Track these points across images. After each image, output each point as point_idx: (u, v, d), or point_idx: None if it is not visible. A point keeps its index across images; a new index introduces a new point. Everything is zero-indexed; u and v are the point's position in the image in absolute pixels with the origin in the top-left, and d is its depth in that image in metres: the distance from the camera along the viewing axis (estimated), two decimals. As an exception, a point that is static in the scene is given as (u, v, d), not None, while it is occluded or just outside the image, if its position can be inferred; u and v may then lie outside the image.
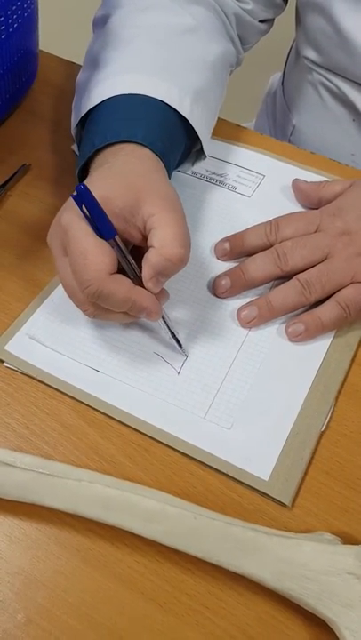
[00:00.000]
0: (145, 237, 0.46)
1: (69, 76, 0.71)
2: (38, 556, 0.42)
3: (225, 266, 0.56)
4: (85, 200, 0.43)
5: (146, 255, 0.45)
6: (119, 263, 0.45)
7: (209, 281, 0.55)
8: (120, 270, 0.45)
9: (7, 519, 0.43)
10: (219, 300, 0.55)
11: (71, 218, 0.44)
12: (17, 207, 0.60)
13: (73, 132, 0.58)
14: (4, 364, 0.50)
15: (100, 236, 0.44)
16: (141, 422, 0.47)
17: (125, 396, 0.48)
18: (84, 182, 0.45)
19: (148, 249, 0.45)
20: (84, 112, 0.54)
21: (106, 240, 0.44)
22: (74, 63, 0.74)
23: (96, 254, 0.43)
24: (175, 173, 0.62)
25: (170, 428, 0.47)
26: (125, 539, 0.42)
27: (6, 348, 0.50)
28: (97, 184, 0.46)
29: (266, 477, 0.45)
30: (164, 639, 0.40)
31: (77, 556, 0.42)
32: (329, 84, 0.74)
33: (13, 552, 0.42)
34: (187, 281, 0.55)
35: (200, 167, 0.63)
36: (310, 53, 0.75)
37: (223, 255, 0.57)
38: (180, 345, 0.50)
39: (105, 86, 0.54)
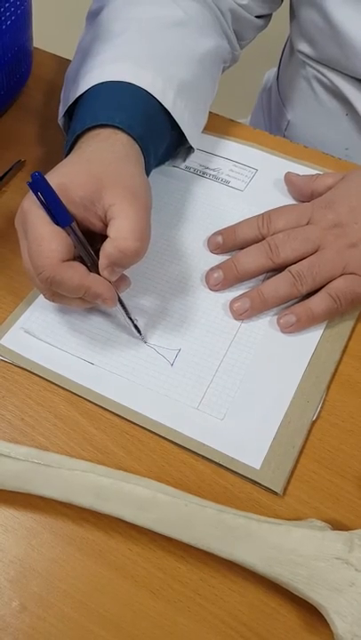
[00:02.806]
0: (106, 226, 0.46)
1: (63, 72, 0.71)
2: (33, 545, 0.43)
3: (218, 259, 0.57)
4: (40, 187, 0.44)
5: (103, 245, 0.46)
6: (80, 251, 0.46)
7: (202, 274, 0.56)
8: (79, 258, 0.46)
9: (2, 509, 0.44)
10: (212, 292, 0.55)
11: (30, 204, 0.45)
12: (11, 202, 0.61)
13: (60, 122, 0.58)
14: (0, 357, 0.50)
15: (56, 224, 0.45)
16: (135, 413, 0.48)
17: (119, 388, 0.49)
18: (49, 173, 0.46)
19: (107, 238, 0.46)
20: (70, 101, 0.55)
21: (62, 227, 0.45)
22: (68, 60, 0.74)
23: (50, 241, 0.44)
24: (169, 167, 0.63)
25: (163, 418, 0.48)
26: (119, 527, 0.43)
27: (1, 341, 0.51)
28: (60, 170, 0.47)
29: (257, 466, 0.46)
30: (157, 625, 0.40)
31: (71, 544, 0.43)
32: (323, 78, 0.75)
33: (8, 541, 0.43)
34: (180, 274, 0.56)
35: (193, 161, 0.64)
36: (304, 47, 0.75)
37: (216, 248, 0.57)
38: (138, 330, 0.51)
39: (92, 75, 0.54)
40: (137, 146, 0.50)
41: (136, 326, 0.51)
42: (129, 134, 0.50)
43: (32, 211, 0.45)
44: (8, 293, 0.54)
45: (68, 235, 0.45)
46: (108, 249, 0.45)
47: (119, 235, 0.45)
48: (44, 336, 0.51)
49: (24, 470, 0.43)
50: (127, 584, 0.42)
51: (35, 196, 0.45)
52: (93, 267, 0.47)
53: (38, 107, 0.70)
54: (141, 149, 0.51)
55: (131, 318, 0.50)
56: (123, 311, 0.50)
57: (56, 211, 0.44)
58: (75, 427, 0.48)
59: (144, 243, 0.45)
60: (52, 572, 0.42)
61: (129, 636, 0.40)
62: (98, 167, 0.47)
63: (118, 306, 0.49)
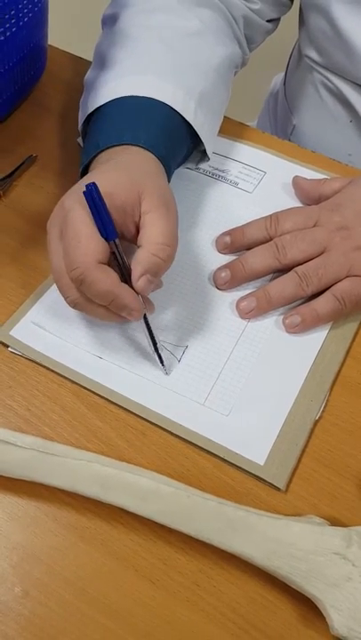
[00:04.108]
0: (138, 232, 0.47)
1: (77, 70, 0.73)
2: (36, 533, 0.44)
3: (226, 258, 0.58)
4: (94, 198, 0.45)
5: (135, 255, 0.46)
6: (115, 265, 0.47)
7: (210, 273, 0.57)
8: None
9: (7, 497, 0.45)
10: (219, 291, 0.56)
11: (74, 202, 0.46)
12: (23, 197, 0.62)
13: (80, 127, 0.59)
14: (9, 348, 0.51)
15: (102, 236, 0.45)
16: (142, 407, 0.49)
17: (127, 383, 0.50)
18: (91, 177, 0.46)
19: (137, 248, 0.47)
20: (90, 110, 0.56)
21: (107, 241, 0.46)
22: (81, 58, 0.76)
23: (89, 240, 0.45)
24: (180, 169, 0.64)
25: (170, 413, 0.49)
26: (121, 518, 0.44)
27: (11, 333, 0.52)
28: (103, 177, 0.47)
29: (262, 462, 0.47)
30: (156, 614, 0.41)
31: (74, 533, 0.44)
32: (329, 83, 0.76)
33: (13, 528, 0.44)
34: (188, 273, 0.57)
35: (204, 163, 0.65)
36: (312, 53, 0.76)
37: (224, 248, 0.58)
38: (161, 361, 0.50)
39: (111, 87, 0.55)
40: (160, 163, 0.52)
41: (160, 356, 0.49)
42: (153, 153, 0.52)
43: (75, 209, 0.46)
44: (18, 286, 0.55)
45: (110, 248, 0.46)
46: (141, 255, 0.46)
47: (151, 240, 0.46)
48: (53, 329, 0.52)
49: (29, 459, 0.44)
50: (128, 573, 0.42)
51: (84, 198, 0.45)
52: (126, 282, 0.47)
53: (51, 103, 0.71)
54: (163, 166, 0.53)
55: (156, 346, 0.49)
56: (149, 338, 0.49)
57: (105, 223, 0.45)
58: (80, 418, 0.48)
59: (174, 249, 0.47)
60: (54, 559, 0.43)
61: (128, 624, 0.41)
62: (138, 175, 0.48)
63: (145, 331, 0.49)
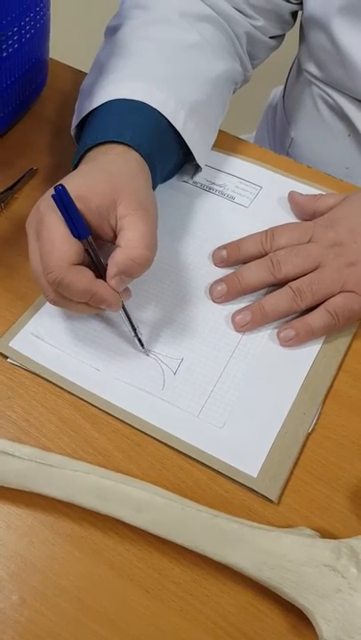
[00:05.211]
0: (115, 235, 0.48)
1: (77, 83, 0.73)
2: (34, 542, 0.44)
3: (222, 272, 0.59)
4: (63, 200, 0.46)
5: (112, 254, 0.48)
6: (90, 261, 0.48)
7: (206, 286, 0.58)
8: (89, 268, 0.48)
9: (5, 506, 0.46)
10: (215, 304, 0.57)
11: (46, 207, 0.47)
12: (23, 209, 0.63)
13: (72, 132, 0.60)
14: (9, 360, 0.52)
15: (74, 236, 0.47)
16: (138, 419, 0.50)
17: (123, 395, 0.51)
18: (66, 179, 0.48)
19: (116, 247, 0.48)
20: (84, 114, 0.57)
21: (79, 240, 0.47)
22: (83, 72, 0.77)
23: (62, 243, 0.46)
24: (177, 182, 0.65)
25: (165, 425, 0.50)
26: (116, 528, 0.45)
27: (10, 344, 0.53)
28: (79, 179, 0.48)
29: (254, 474, 0.48)
30: (150, 623, 0.42)
31: (71, 542, 0.45)
32: (328, 98, 0.77)
33: (10, 537, 0.45)
34: (185, 286, 0.58)
35: (201, 177, 0.66)
36: (311, 68, 0.78)
37: (220, 262, 0.59)
38: (141, 343, 0.52)
39: (106, 91, 0.56)
40: (146, 163, 0.53)
41: (140, 339, 0.52)
42: (138, 152, 0.52)
43: (49, 213, 0.47)
44: (18, 298, 0.56)
45: (84, 246, 0.47)
46: (118, 257, 0.47)
47: (130, 244, 0.47)
48: (52, 340, 0.53)
49: (28, 469, 0.45)
50: (123, 583, 0.43)
51: (57, 208, 0.46)
52: (101, 277, 0.49)
53: (52, 116, 0.72)
54: (149, 167, 0.53)
55: (135, 331, 0.52)
56: (128, 324, 0.52)
57: (75, 223, 0.46)
58: (77, 429, 0.49)
59: (152, 252, 0.48)
60: (51, 568, 0.44)
61: (123, 632, 0.42)
62: (116, 178, 0.49)
63: (125, 318, 0.51)
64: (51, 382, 0.51)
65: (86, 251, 0.48)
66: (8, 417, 0.50)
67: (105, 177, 0.49)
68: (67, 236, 0.46)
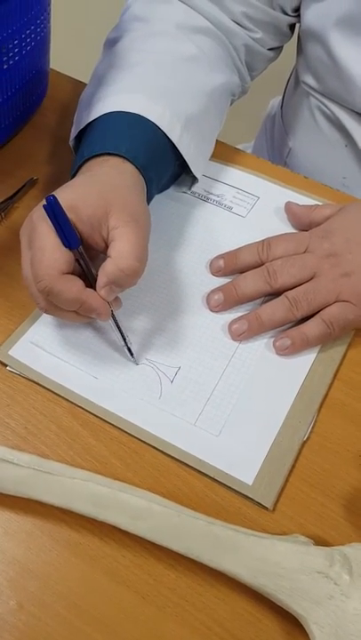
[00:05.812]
0: (107, 246, 0.49)
1: (77, 94, 0.74)
2: (31, 548, 0.45)
3: (219, 281, 0.60)
4: (54, 210, 0.47)
5: (103, 264, 0.48)
6: (81, 271, 0.49)
7: (203, 295, 0.59)
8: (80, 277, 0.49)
9: (4, 513, 0.46)
10: (212, 313, 0.58)
11: (40, 216, 0.48)
12: (23, 219, 0.62)
13: (71, 143, 0.61)
14: (8, 368, 0.53)
15: (64, 245, 0.47)
16: (135, 427, 0.50)
17: (121, 402, 0.52)
18: (59, 190, 0.49)
19: (107, 257, 0.48)
20: (82, 125, 0.58)
21: (70, 250, 0.48)
22: (83, 83, 0.78)
23: (53, 252, 0.47)
24: (175, 192, 0.66)
25: (162, 433, 0.50)
26: (113, 535, 0.45)
27: (10, 352, 0.53)
28: (72, 190, 0.49)
29: (250, 482, 0.48)
30: (146, 628, 0.43)
31: (68, 549, 0.45)
32: (325, 109, 0.78)
33: (8, 543, 0.45)
34: (182, 294, 0.58)
35: (198, 187, 0.67)
36: (309, 79, 0.78)
37: (217, 271, 0.60)
38: (130, 353, 0.53)
39: (104, 103, 0.57)
40: (141, 175, 0.54)
41: (129, 348, 0.53)
42: (133, 164, 0.53)
43: (41, 222, 0.48)
44: (17, 306, 0.57)
45: (74, 256, 0.48)
46: (108, 267, 0.48)
47: (120, 255, 0.48)
48: (51, 349, 0.54)
49: (26, 476, 0.45)
50: (119, 588, 0.44)
51: (47, 218, 0.47)
52: (91, 286, 0.49)
53: (52, 127, 0.73)
54: (144, 179, 0.54)
55: (125, 340, 0.53)
56: (118, 333, 0.52)
57: (66, 233, 0.47)
58: (75, 437, 0.50)
59: (142, 264, 0.48)
60: (48, 574, 0.44)
61: (119, 637, 0.42)
62: (108, 190, 0.50)
63: (114, 327, 0.52)
64: (49, 390, 0.52)
65: (77, 260, 0.49)
66: (7, 424, 0.50)
67: (98, 188, 0.50)
68: (57, 245, 0.47)
